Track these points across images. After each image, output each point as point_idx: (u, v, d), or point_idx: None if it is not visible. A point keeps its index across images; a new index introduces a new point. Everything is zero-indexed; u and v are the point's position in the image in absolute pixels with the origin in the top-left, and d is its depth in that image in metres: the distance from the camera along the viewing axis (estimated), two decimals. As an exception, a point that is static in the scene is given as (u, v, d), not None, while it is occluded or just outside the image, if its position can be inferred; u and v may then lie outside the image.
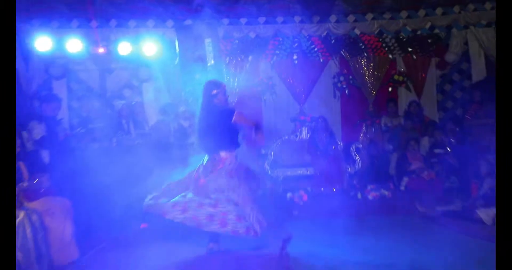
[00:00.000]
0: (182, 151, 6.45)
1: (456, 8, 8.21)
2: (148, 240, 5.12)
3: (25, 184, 4.42)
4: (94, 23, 7.73)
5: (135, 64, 7.93)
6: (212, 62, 7.42)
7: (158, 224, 5.52)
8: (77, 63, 7.81)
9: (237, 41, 8.23)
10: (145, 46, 7.53)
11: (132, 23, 7.96)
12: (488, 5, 8.08)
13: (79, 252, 4.50)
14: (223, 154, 4.26)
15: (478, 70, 8.48)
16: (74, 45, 7.25)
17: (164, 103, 7.64)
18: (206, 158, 4.34)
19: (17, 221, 3.99)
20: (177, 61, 7.63)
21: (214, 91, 4.23)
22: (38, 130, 5.53)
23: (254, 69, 8.48)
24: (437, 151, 7.47)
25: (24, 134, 5.40)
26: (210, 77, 7.31)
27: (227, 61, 8.26)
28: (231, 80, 8.31)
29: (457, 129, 7.43)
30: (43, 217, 4.22)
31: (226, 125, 4.22)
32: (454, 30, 8.41)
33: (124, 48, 7.46)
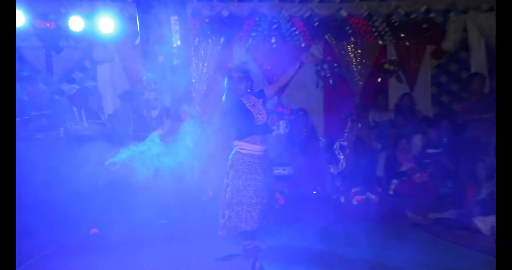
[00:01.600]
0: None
1: (454, -10, 8.35)
2: (99, 247, 5.08)
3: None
4: (40, -6, 7.59)
5: (88, 42, 7.77)
6: (178, 43, 7.33)
7: (111, 230, 5.52)
8: (20, 39, 7.55)
9: (207, 20, 8.11)
10: (100, 22, 7.44)
11: (85, -6, 7.80)
12: (490, -15, 8.26)
13: (18, 259, 4.43)
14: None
15: (478, 60, 8.59)
16: (16, 17, 7.01)
17: (123, 89, 7.63)
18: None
19: None
20: (137, 40, 7.48)
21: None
22: None
23: (227, 53, 8.39)
24: (430, 151, 7.57)
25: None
26: (176, 61, 7.29)
27: (195, 43, 8.15)
28: (200, 65, 8.23)
29: (453, 126, 7.51)
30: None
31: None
32: (452, 14, 8.49)
33: (75, 23, 7.34)
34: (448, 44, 8.61)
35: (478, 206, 5.70)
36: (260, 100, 4.65)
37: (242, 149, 4.55)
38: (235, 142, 4.62)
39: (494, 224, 5.32)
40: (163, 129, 6.89)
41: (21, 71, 7.80)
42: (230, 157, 4.62)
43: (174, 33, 7.31)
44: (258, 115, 4.56)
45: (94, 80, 8.06)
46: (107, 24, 7.44)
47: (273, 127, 8.43)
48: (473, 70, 8.47)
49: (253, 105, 4.59)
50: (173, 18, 7.34)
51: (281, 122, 8.49)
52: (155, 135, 6.06)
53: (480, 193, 5.91)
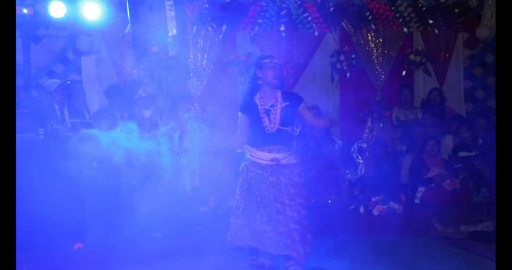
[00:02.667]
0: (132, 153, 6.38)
1: (492, -31, 8.35)
2: (83, 265, 5.10)
3: None
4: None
5: (71, 31, 7.77)
6: (174, 31, 7.35)
7: (98, 244, 5.56)
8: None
9: (207, 6, 8.10)
10: (85, 8, 7.40)
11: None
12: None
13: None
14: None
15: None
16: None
17: (110, 84, 7.59)
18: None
19: None
20: (128, 29, 7.51)
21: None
22: None
23: (229, 43, 8.40)
24: (463, 154, 7.57)
25: None
26: (172, 52, 7.31)
27: (194, 31, 8.15)
28: (199, 56, 8.22)
29: (490, 125, 7.47)
30: None
31: None
32: None
33: (56, 9, 7.30)
34: (483, 32, 8.57)
35: None
36: (285, 104, 4.57)
37: (251, 155, 4.56)
38: (245, 146, 4.64)
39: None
40: (158, 130, 6.90)
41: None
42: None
43: (169, 20, 7.32)
44: (267, 122, 4.48)
45: (78, 74, 8.08)
46: (93, 9, 7.40)
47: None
48: None
49: (268, 107, 4.53)
50: (168, 3, 7.36)
51: (290, 122, 8.51)
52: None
53: None
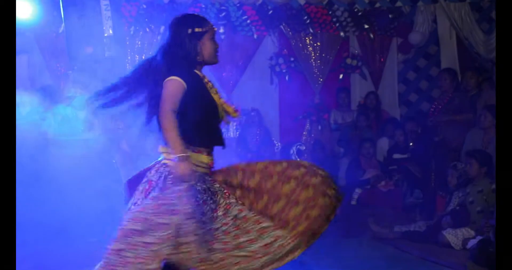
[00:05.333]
0: (66, 150, 6.18)
1: (423, -23, 8.49)
2: None
3: None
4: None
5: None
6: (111, 32, 7.26)
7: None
8: None
9: (144, 6, 8.00)
10: (16, 6, 7.14)
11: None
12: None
13: None
14: None
15: (449, 55, 8.72)
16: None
17: (42, 84, 7.35)
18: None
19: None
20: (62, 28, 7.38)
21: (198, 28, 3.00)
22: None
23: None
24: (397, 156, 7.64)
25: None
26: (108, 52, 7.15)
27: (131, 32, 8.04)
28: (136, 57, 8.07)
29: (422, 128, 7.62)
30: None
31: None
32: (420, 3, 8.58)
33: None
34: (416, 37, 8.68)
35: (448, 218, 5.79)
36: None
37: None
38: None
39: (466, 237, 5.46)
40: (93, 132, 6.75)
41: None
42: None
43: (105, 20, 7.21)
44: None
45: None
46: (25, 7, 7.09)
47: (222, 130, 8.38)
48: (443, 65, 8.58)
49: None
50: (104, 3, 7.25)
51: (230, 124, 8.43)
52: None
53: (450, 204, 5.98)
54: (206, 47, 2.97)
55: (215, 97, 3.00)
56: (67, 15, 7.13)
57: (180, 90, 2.79)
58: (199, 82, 2.94)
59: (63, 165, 5.72)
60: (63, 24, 7.29)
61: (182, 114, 2.80)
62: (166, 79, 2.81)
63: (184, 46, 2.93)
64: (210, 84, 3.03)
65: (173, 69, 2.86)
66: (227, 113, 3.07)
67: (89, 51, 7.14)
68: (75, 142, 6.24)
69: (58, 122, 6.49)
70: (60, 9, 7.16)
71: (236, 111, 3.12)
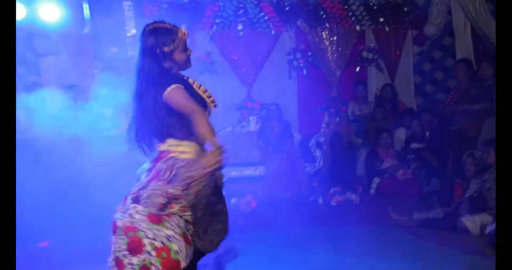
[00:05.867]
0: (93, 147, 6.28)
1: (438, -29, 8.43)
2: (48, 264, 5.00)
3: None
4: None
5: (30, 32, 7.59)
6: (133, 31, 7.33)
7: (63, 244, 5.46)
8: None
9: (165, 6, 8.01)
10: (42, 9, 7.26)
11: (26, -23, 7.67)
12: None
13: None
14: None
15: (463, 46, 8.62)
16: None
17: (70, 84, 7.42)
18: None
19: None
20: (87, 29, 7.45)
21: (166, 48, 3.00)
22: None
23: (188, 42, 8.31)
24: (414, 145, 7.65)
25: None
26: (131, 52, 7.24)
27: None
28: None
29: (439, 118, 7.61)
30: None
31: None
32: None
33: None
34: (431, 29, 8.67)
35: (466, 205, 5.76)
36: None
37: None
38: None
39: (484, 223, 5.41)
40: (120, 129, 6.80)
41: None
42: None
43: (128, 20, 7.29)
44: None
45: (37, 75, 7.87)
46: (51, 10, 7.24)
47: (243, 124, 8.47)
48: (458, 56, 8.48)
49: None
50: (126, 4, 7.33)
51: (251, 118, 8.50)
52: None
53: (468, 191, 5.94)
54: (177, 59, 3.02)
55: (200, 91, 3.11)
56: (92, 16, 7.25)
57: (184, 91, 2.90)
58: (186, 83, 3.03)
59: (93, 161, 5.67)
60: (88, 26, 7.39)
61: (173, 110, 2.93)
62: (167, 90, 2.87)
63: (149, 65, 2.96)
64: (191, 80, 3.14)
65: (163, 80, 2.91)
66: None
67: (113, 51, 7.22)
68: (103, 138, 6.18)
69: (86, 120, 6.52)
70: (84, 11, 7.28)
71: (213, 102, 3.16)
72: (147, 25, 3.10)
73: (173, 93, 2.88)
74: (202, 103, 3.04)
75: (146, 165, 3.09)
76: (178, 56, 3.02)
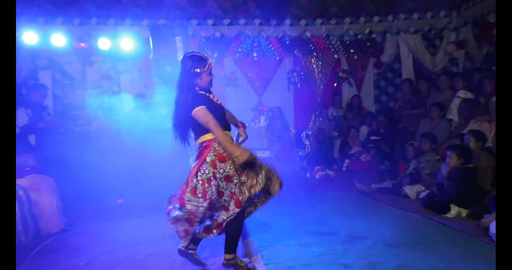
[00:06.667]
0: (155, 135, 6.31)
1: (390, 17, 8.33)
2: (123, 214, 5.06)
3: (12, 163, 4.36)
4: (76, 20, 7.55)
5: (114, 58, 7.69)
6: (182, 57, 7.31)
7: (133, 201, 5.53)
8: (61, 56, 7.57)
9: (204, 40, 8.09)
10: (122, 42, 7.40)
11: (111, 21, 7.72)
12: (415, 16, 8.32)
13: (66, 222, 4.51)
14: None
15: (407, 69, 8.60)
16: (58, 39, 7.15)
17: (138, 92, 7.44)
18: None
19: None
20: (151, 55, 7.49)
21: (198, 69, 2.96)
22: (21, 118, 5.49)
23: (219, 65, 8.32)
24: (373, 138, 7.61)
25: (13, 119, 5.30)
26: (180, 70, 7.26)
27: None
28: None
29: (390, 119, 7.53)
30: (29, 192, 4.15)
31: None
32: (388, 35, 8.49)
33: (103, 43, 7.33)
34: (385, 57, 8.63)
35: (407, 178, 5.75)
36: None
37: None
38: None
39: (418, 191, 5.39)
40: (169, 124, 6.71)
41: (61, 80, 7.81)
42: None
43: (178, 49, 7.32)
44: None
45: (117, 86, 7.89)
46: (128, 43, 7.40)
47: (256, 121, 8.51)
48: (404, 76, 8.47)
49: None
50: (178, 38, 7.36)
51: (261, 117, 8.56)
52: None
53: (408, 169, 5.93)
54: (203, 80, 2.99)
55: (216, 101, 3.06)
56: (154, 46, 7.30)
57: (206, 110, 2.91)
58: (208, 100, 2.99)
59: (153, 144, 5.61)
60: (151, 53, 7.45)
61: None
62: (194, 111, 2.90)
63: (186, 80, 2.96)
64: (211, 96, 3.06)
65: (192, 102, 2.91)
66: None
67: (168, 70, 7.24)
68: (159, 130, 6.17)
69: (148, 117, 6.52)
70: (150, 43, 7.35)
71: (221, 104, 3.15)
72: (187, 53, 3.10)
73: (198, 113, 2.91)
74: (219, 107, 3.07)
75: (192, 158, 3.08)
76: (205, 77, 2.99)
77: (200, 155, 3.01)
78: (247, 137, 3.27)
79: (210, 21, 8.07)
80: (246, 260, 3.24)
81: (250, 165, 3.03)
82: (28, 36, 6.95)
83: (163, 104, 6.80)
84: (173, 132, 3.09)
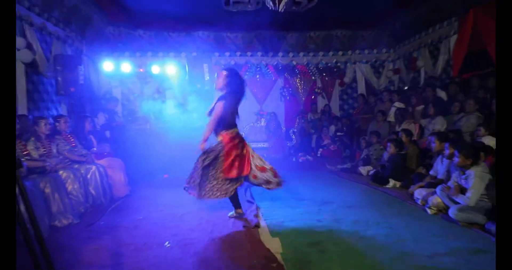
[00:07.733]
0: (189, 132, 6.28)
1: (349, 52, 8.36)
2: (168, 185, 5.06)
3: (95, 149, 4.47)
4: (138, 54, 7.68)
5: (162, 79, 7.71)
6: (207, 78, 7.36)
7: (174, 176, 5.48)
8: (127, 77, 7.63)
9: (223, 66, 8.08)
10: (168, 68, 7.40)
11: (160, 54, 7.82)
12: (366, 51, 8.32)
13: (130, 189, 4.55)
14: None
15: (361, 87, 8.58)
16: (126, 67, 7.20)
17: (178, 101, 7.43)
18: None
19: (90, 172, 4.00)
20: (186, 77, 7.45)
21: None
22: (101, 119, 5.58)
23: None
24: (339, 134, 7.62)
25: (96, 120, 5.43)
26: (206, 87, 7.29)
27: (215, 77, 8.08)
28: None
29: (350, 121, 7.54)
30: (106, 169, 4.24)
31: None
32: (348, 64, 8.47)
33: (155, 69, 7.34)
34: (347, 79, 8.58)
35: (360, 162, 5.75)
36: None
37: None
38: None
39: (368, 170, 5.35)
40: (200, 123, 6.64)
41: (127, 94, 7.85)
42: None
43: (205, 73, 7.34)
44: None
45: (164, 98, 7.92)
46: (171, 69, 7.38)
47: (258, 122, 8.51)
48: (359, 92, 8.44)
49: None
50: (205, 65, 7.37)
51: (262, 119, 8.55)
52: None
53: (362, 155, 5.93)
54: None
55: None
56: (189, 70, 7.32)
57: (222, 107, 2.96)
58: (235, 100, 3.00)
59: (189, 138, 5.15)
60: (187, 75, 7.46)
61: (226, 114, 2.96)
62: (217, 103, 2.93)
63: (236, 86, 3.06)
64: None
65: (227, 97, 2.93)
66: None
67: (198, 86, 7.27)
68: (193, 128, 5.91)
69: (185, 118, 6.45)
70: (186, 68, 7.37)
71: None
72: (233, 69, 3.14)
73: (218, 105, 3.00)
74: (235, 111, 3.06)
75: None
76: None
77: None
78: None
79: (227, 53, 8.12)
80: (253, 218, 3.20)
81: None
82: (106, 65, 7.04)
83: (195, 110, 6.85)
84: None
